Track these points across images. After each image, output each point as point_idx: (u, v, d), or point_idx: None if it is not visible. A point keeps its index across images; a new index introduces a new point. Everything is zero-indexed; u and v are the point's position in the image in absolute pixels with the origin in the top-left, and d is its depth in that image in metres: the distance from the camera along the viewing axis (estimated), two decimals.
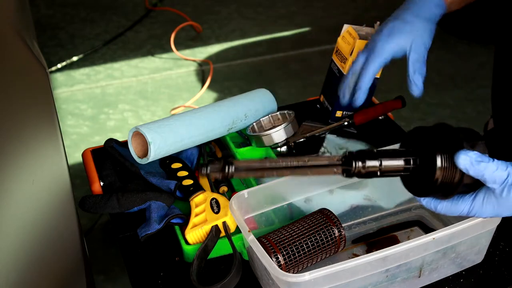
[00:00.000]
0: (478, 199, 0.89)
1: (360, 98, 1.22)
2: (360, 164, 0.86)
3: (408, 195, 1.19)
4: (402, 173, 0.89)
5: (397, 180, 1.05)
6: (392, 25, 1.19)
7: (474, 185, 0.88)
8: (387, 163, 0.87)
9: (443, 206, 0.90)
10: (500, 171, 0.85)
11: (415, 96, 1.14)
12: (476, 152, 0.84)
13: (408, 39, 1.16)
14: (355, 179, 1.16)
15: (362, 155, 0.86)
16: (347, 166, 0.86)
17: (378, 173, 0.87)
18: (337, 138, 1.37)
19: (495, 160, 0.85)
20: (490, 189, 0.87)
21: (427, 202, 0.92)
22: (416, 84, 1.14)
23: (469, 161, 0.84)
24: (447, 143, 0.86)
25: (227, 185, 1.28)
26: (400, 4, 1.23)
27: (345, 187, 1.17)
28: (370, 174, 0.87)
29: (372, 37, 1.23)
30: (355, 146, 1.35)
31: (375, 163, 0.86)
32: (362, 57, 1.23)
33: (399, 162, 0.87)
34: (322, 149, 1.33)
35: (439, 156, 0.85)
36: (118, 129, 2.90)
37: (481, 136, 0.89)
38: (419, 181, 0.89)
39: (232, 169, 0.81)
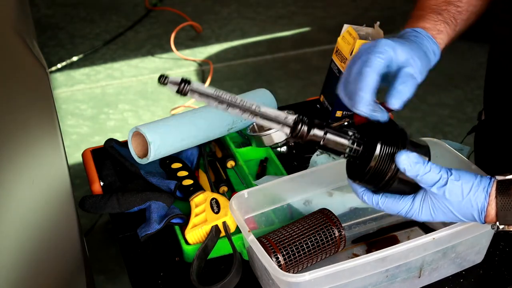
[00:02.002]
0: (417, 200, 0.94)
1: (362, 100, 0.94)
2: (305, 128, 0.89)
3: None
4: (343, 153, 0.92)
5: None
6: (393, 39, 1.01)
7: (412, 188, 0.93)
8: (332, 137, 0.91)
9: (384, 202, 0.94)
10: (432, 173, 0.90)
11: (394, 109, 0.95)
12: (415, 154, 0.90)
13: (409, 54, 0.98)
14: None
15: (311, 123, 0.90)
16: (294, 128, 0.90)
17: (321, 143, 0.91)
18: None
19: (431, 163, 0.91)
20: (427, 191, 0.93)
21: (368, 197, 0.95)
22: (400, 97, 0.94)
23: (408, 162, 0.89)
24: (393, 139, 0.91)
25: (227, 185, 1.28)
26: (400, 5, 1.21)
27: (344, 190, 1.17)
28: (313, 142, 0.91)
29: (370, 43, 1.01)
30: None
31: (320, 133, 0.90)
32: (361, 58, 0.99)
33: (343, 141, 0.91)
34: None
35: (380, 146, 0.90)
36: (118, 129, 2.90)
37: (426, 145, 0.94)
38: (358, 167, 0.93)
39: (187, 87, 0.85)
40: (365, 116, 0.94)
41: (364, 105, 0.93)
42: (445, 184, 0.90)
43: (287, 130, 0.90)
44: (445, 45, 1.10)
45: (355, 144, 0.92)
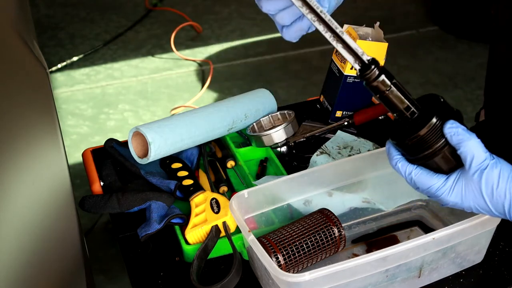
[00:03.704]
0: (451, 179, 0.92)
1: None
2: (376, 72, 0.89)
3: (407, 198, 1.20)
4: (397, 113, 0.92)
5: (396, 183, 1.05)
6: None
7: (449, 168, 0.92)
8: (396, 91, 0.90)
9: (418, 173, 0.93)
10: (479, 149, 0.90)
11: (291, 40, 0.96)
12: (465, 127, 0.90)
13: None
14: (354, 179, 1.17)
15: (384, 70, 0.90)
16: (367, 66, 0.89)
17: (384, 92, 0.90)
18: (346, 135, 1.37)
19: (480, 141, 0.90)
20: (464, 171, 0.92)
21: (403, 165, 0.93)
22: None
23: (455, 129, 0.89)
24: (449, 115, 0.91)
25: (227, 185, 1.28)
26: (401, 5, 1.19)
27: (344, 190, 1.17)
28: (377, 88, 0.90)
29: None
30: (363, 145, 1.35)
31: (388, 82, 0.90)
32: None
33: (404, 99, 0.91)
34: (321, 149, 1.33)
35: (436, 116, 0.90)
36: (118, 129, 2.89)
37: None
38: (405, 131, 0.92)
39: None
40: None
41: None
42: (486, 167, 0.90)
43: (359, 66, 0.90)
44: None
45: (414, 106, 0.91)
